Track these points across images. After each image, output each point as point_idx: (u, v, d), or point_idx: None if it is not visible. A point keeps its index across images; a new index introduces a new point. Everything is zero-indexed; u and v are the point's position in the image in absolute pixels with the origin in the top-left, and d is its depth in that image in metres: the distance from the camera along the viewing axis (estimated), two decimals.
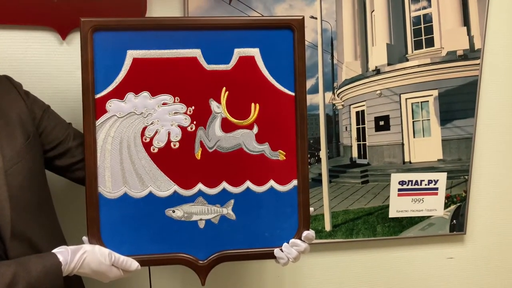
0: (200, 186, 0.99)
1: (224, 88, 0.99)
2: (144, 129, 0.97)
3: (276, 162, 1.01)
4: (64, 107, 1.12)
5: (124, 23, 0.96)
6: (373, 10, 1.31)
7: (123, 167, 0.97)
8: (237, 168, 1.00)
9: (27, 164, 0.91)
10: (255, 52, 0.99)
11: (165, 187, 0.98)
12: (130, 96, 0.96)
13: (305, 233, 1.00)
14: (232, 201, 1.00)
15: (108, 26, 0.95)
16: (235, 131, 0.99)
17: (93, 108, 0.95)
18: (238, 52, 0.98)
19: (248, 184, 1.00)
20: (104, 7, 1.15)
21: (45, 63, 1.17)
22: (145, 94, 0.97)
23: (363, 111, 1.35)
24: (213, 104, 0.99)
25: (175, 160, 0.98)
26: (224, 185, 1.00)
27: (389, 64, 1.33)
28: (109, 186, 0.97)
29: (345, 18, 1.29)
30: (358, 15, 1.30)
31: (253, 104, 1.00)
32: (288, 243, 1.00)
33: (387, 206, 1.40)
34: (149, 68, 0.96)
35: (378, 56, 1.32)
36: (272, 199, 1.01)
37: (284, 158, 1.01)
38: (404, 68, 1.34)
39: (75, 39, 1.17)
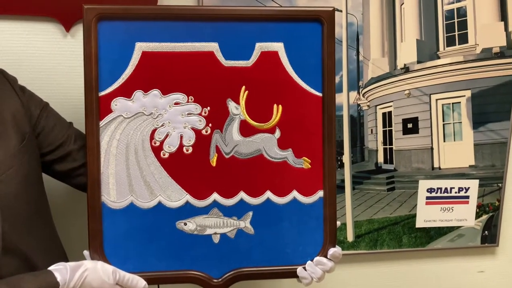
0: (215, 196, 0.87)
1: (243, 87, 0.86)
2: (153, 131, 0.85)
3: (300, 171, 0.88)
4: (66, 105, 1.01)
5: (132, 11, 0.84)
6: (403, 3, 1.18)
7: (129, 174, 0.85)
8: (257, 176, 0.88)
9: (22, 170, 0.80)
10: (279, 47, 0.86)
11: (176, 196, 0.86)
12: (138, 94, 0.84)
13: (331, 250, 0.88)
14: (251, 213, 0.88)
15: (114, 14, 0.83)
16: (254, 135, 0.87)
17: (97, 107, 0.84)
18: (260, 47, 0.86)
19: (268, 194, 0.88)
20: None
21: (47, 57, 1.07)
22: (155, 92, 0.85)
23: (390, 113, 1.22)
24: (231, 105, 0.86)
25: (187, 166, 0.86)
26: (242, 195, 0.88)
27: (419, 62, 1.21)
28: (113, 195, 0.85)
29: (373, 11, 1.16)
30: (387, 8, 1.17)
31: (275, 105, 0.87)
32: (312, 261, 0.88)
33: (414, 215, 1.28)
34: (160, 63, 0.84)
35: (407, 53, 1.20)
36: (295, 212, 0.89)
37: (309, 166, 0.89)
38: (435, 66, 1.21)
39: (80, 31, 1.04)
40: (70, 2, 1.03)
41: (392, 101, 1.21)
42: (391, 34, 1.18)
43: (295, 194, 0.89)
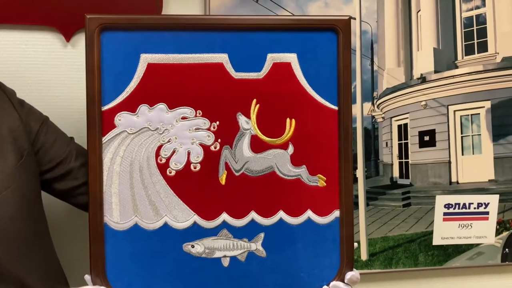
0: (224, 217, 0.83)
1: (254, 100, 0.83)
2: (159, 148, 0.82)
3: (315, 189, 0.84)
4: (66, 119, 0.98)
5: (137, 21, 0.80)
6: (419, 10, 1.15)
7: (133, 193, 0.81)
8: (269, 195, 0.84)
9: (19, 189, 0.76)
10: (292, 58, 0.83)
11: (183, 217, 0.82)
12: (143, 108, 0.81)
13: (348, 274, 0.83)
14: (262, 234, 0.84)
15: (118, 24, 0.80)
16: (266, 151, 0.83)
17: (99, 122, 0.80)
18: (272, 58, 0.83)
19: (281, 214, 0.84)
20: (115, 4, 1.00)
21: (46, 68, 1.04)
22: (162, 106, 0.81)
23: (406, 125, 1.18)
24: (242, 119, 0.83)
25: (195, 185, 0.82)
26: (253, 215, 0.83)
27: (436, 72, 1.17)
28: (116, 216, 0.81)
29: (388, 18, 1.13)
30: (402, 15, 1.14)
31: (288, 120, 0.83)
32: (328, 285, 0.84)
33: (431, 232, 1.24)
34: (166, 75, 0.81)
35: (424, 62, 1.16)
36: (309, 233, 0.85)
37: (325, 184, 0.85)
38: (453, 76, 1.18)
39: (81, 40, 1.03)
40: (70, 11, 1.00)
41: (408, 113, 1.18)
42: (407, 43, 1.15)
43: (309, 214, 0.85)
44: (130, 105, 0.81)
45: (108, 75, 0.80)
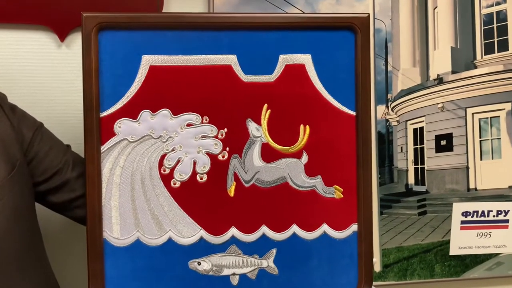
0: (233, 231, 0.78)
1: (265, 106, 0.78)
2: (163, 157, 0.76)
3: (331, 201, 0.79)
4: (63, 125, 0.94)
5: (138, 20, 0.75)
6: (436, 7, 1.10)
7: (135, 206, 0.76)
8: (281, 208, 0.79)
9: (11, 202, 0.71)
10: (306, 59, 0.78)
11: (188, 232, 0.77)
12: (145, 114, 0.76)
13: None
14: (274, 250, 0.79)
15: (117, 23, 0.75)
16: (278, 161, 0.78)
17: (98, 130, 0.75)
18: (284, 59, 0.78)
19: (294, 229, 0.79)
20: (111, 2, 0.95)
21: (39, 70, 0.98)
22: (165, 112, 0.76)
23: (421, 128, 1.13)
24: (252, 126, 0.78)
25: (201, 197, 0.77)
26: (264, 230, 0.78)
27: (453, 72, 1.12)
28: (117, 231, 0.76)
29: (403, 16, 1.08)
30: (418, 12, 1.09)
31: (302, 126, 0.78)
32: None
33: (448, 242, 1.19)
34: (170, 78, 0.76)
35: (440, 62, 1.11)
36: (325, 248, 0.80)
37: (341, 195, 0.80)
38: (472, 77, 1.13)
39: (76, 40, 0.98)
40: (65, 9, 0.95)
41: (424, 116, 1.13)
42: (423, 42, 1.10)
43: (325, 228, 0.80)
44: (131, 111, 0.76)
45: (107, 79, 0.75)
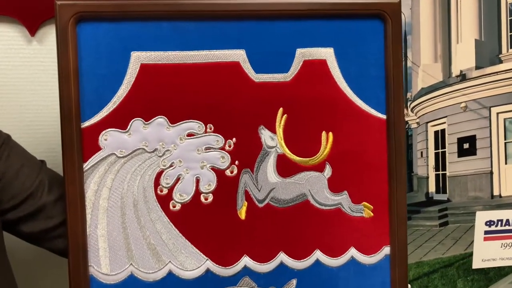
0: (245, 261, 0.66)
1: (281, 110, 0.66)
2: (159, 174, 0.64)
3: (359, 221, 0.68)
4: (36, 136, 0.81)
5: (125, 8, 0.62)
6: None
7: (127, 235, 0.64)
8: (301, 231, 0.67)
9: None
10: (327, 53, 0.66)
11: (192, 263, 0.65)
12: (137, 124, 0.63)
13: None
14: (294, 281, 0.67)
15: (100, 13, 0.62)
16: (297, 175, 0.67)
17: (79, 144, 0.62)
18: (302, 54, 0.66)
19: (317, 255, 0.68)
20: None
21: (6, 70, 0.85)
22: (161, 120, 0.64)
23: (443, 131, 1.03)
24: (265, 134, 0.66)
25: (207, 221, 0.65)
26: (282, 258, 0.67)
27: (477, 68, 1.03)
28: (105, 265, 0.63)
29: (424, 6, 0.99)
30: (441, 2, 0.98)
31: (324, 133, 0.67)
32: None
33: (470, 254, 1.10)
34: (165, 79, 0.64)
35: (464, 56, 1.02)
36: (353, 276, 0.69)
37: (371, 214, 0.68)
38: (497, 73, 1.04)
39: (50, 34, 0.85)
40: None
41: (445, 117, 1.03)
42: (445, 34, 1.00)
43: (352, 252, 0.68)
44: (119, 120, 0.63)
45: (88, 81, 0.62)
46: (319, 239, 0.68)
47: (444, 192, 1.07)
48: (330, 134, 0.67)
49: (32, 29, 0.84)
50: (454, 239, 1.09)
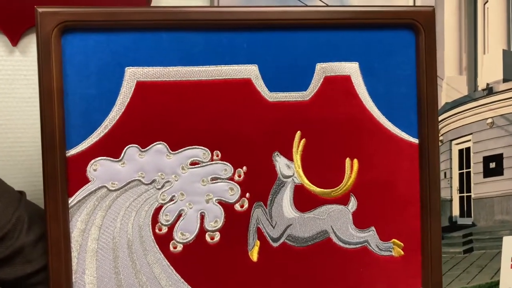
0: None
1: (298, 133, 0.58)
2: (157, 210, 0.56)
3: (389, 261, 0.60)
4: (15, 161, 0.71)
5: (118, 17, 0.54)
6: (487, 1, 0.92)
7: (120, 282, 0.55)
8: (323, 273, 0.59)
9: None
10: (351, 69, 0.59)
11: None
12: (131, 151, 0.55)
13: None
14: None
15: (89, 22, 0.54)
16: (318, 209, 0.59)
17: (63, 176, 0.54)
18: (323, 70, 0.58)
19: None
20: None
21: None
22: (160, 146, 0.55)
23: (468, 149, 0.95)
24: (280, 162, 0.57)
25: (213, 264, 0.57)
26: None
27: (505, 80, 0.95)
28: None
29: (448, 14, 0.91)
30: (466, 8, 0.91)
31: (348, 160, 0.59)
32: None
33: (497, 283, 1.02)
34: (165, 99, 0.56)
35: (491, 68, 0.94)
36: None
37: (402, 253, 0.60)
38: None
39: (34, 44, 0.74)
40: (17, 4, 0.74)
41: (471, 134, 0.95)
42: (471, 44, 0.92)
43: None
44: (110, 147, 0.55)
45: (75, 102, 0.54)
46: (342, 282, 0.59)
47: (469, 215, 0.99)
48: (355, 161, 0.59)
49: (14, 38, 0.76)
50: (480, 266, 1.00)
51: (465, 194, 0.97)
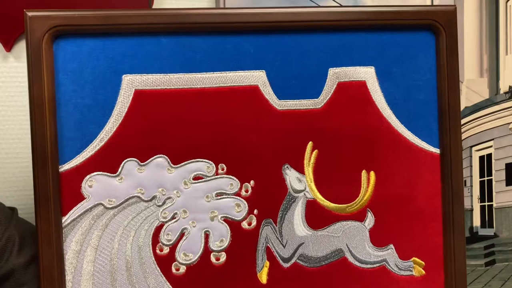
0: None
1: (310, 144, 0.54)
2: (158, 229, 0.52)
3: (409, 281, 0.56)
4: (11, 171, 0.69)
5: (115, 21, 0.51)
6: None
7: None
8: None
9: None
10: (367, 74, 0.55)
11: None
12: (130, 165, 0.52)
13: None
14: None
15: (83, 27, 0.51)
16: (331, 226, 0.55)
17: (56, 193, 0.50)
18: (336, 75, 0.54)
19: None
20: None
21: None
22: (160, 160, 0.52)
23: (489, 156, 0.91)
24: (291, 175, 0.54)
25: (218, 287, 0.53)
26: None
27: None
28: None
29: (468, 14, 0.87)
30: (487, 7, 0.87)
31: (364, 173, 0.55)
32: None
33: None
34: (166, 109, 0.52)
35: None
36: None
37: (423, 272, 0.56)
38: None
39: None
40: (12, 6, 0.71)
41: (492, 140, 0.91)
42: (492, 44, 0.88)
43: None
44: (107, 161, 0.51)
45: (68, 113, 0.50)
46: None
47: (491, 226, 0.95)
48: (372, 173, 0.55)
49: (8, 43, 0.73)
50: (502, 279, 0.96)
51: (486, 203, 0.93)
